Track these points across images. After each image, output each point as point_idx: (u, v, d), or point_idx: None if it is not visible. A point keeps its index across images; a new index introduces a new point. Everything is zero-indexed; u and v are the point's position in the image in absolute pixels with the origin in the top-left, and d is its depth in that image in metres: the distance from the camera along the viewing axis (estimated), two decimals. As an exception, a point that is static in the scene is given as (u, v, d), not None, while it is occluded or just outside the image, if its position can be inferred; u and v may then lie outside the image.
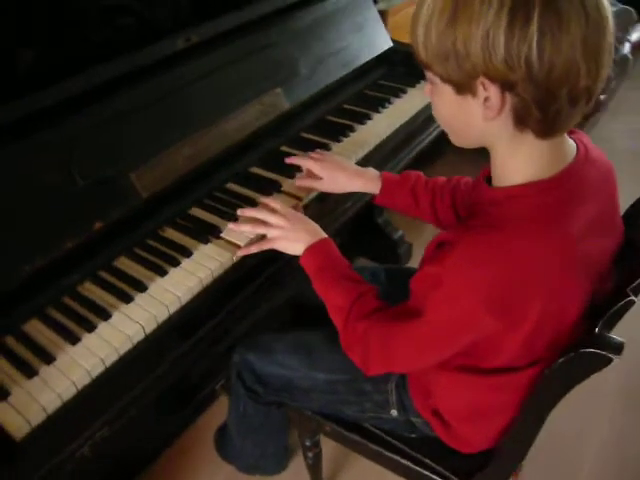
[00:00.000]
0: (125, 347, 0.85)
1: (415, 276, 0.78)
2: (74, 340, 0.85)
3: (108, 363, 0.83)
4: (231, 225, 1.01)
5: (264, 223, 0.98)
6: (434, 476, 0.96)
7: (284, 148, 1.27)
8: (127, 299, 0.91)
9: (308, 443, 1.23)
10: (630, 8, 2.35)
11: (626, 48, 2.36)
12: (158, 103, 1.07)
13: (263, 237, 0.99)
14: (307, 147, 1.23)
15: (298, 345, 1.07)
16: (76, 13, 0.99)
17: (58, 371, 0.81)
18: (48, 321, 0.88)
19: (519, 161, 0.69)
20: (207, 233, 1.02)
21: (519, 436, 0.82)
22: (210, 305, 0.96)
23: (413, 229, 2.08)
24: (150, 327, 0.88)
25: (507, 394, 0.83)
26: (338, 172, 1.10)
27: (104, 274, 0.96)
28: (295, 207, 1.06)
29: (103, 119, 1.00)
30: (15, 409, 0.76)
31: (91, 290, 0.93)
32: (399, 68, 1.58)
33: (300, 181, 1.12)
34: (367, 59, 1.48)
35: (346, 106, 1.43)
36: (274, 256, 1.00)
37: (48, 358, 0.82)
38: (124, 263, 0.98)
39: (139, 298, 0.91)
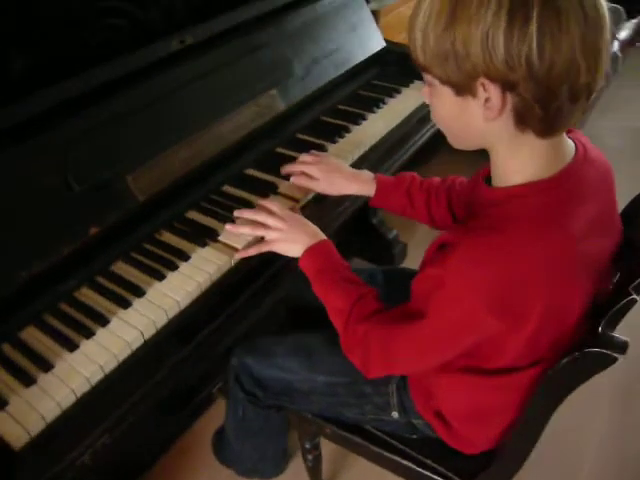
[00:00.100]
0: (124, 353, 0.84)
1: (416, 278, 0.78)
2: (72, 347, 0.83)
3: (107, 370, 0.82)
4: (229, 227, 1.00)
5: (262, 225, 0.97)
6: (436, 477, 0.96)
7: (280, 149, 1.26)
8: (125, 304, 0.90)
9: (308, 446, 1.22)
10: (619, 6, 2.36)
11: (615, 46, 2.38)
12: (153, 105, 1.06)
13: (261, 239, 0.98)
14: (303, 148, 1.22)
15: (298, 348, 1.07)
16: (70, 16, 0.97)
17: (57, 379, 0.79)
18: (45, 328, 0.87)
19: (519, 161, 0.69)
20: (204, 236, 1.01)
21: (523, 436, 0.82)
22: (209, 309, 0.95)
23: (407, 229, 2.08)
24: (149, 332, 0.87)
25: (509, 394, 0.83)
26: (335, 174, 1.09)
27: (101, 279, 0.95)
28: (292, 209, 1.06)
29: (98, 122, 0.99)
30: (13, 418, 0.75)
31: (88, 296, 0.92)
32: (392, 68, 1.58)
33: (296, 179, 1.11)
34: (361, 59, 1.47)
35: (341, 107, 1.43)
36: (272, 258, 0.99)
37: (46, 366, 0.81)
38: (121, 268, 0.97)
39: (137, 303, 0.90)
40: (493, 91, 0.62)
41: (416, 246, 2.08)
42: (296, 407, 1.09)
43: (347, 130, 1.32)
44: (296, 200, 1.11)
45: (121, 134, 1.01)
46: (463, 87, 0.65)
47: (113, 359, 0.82)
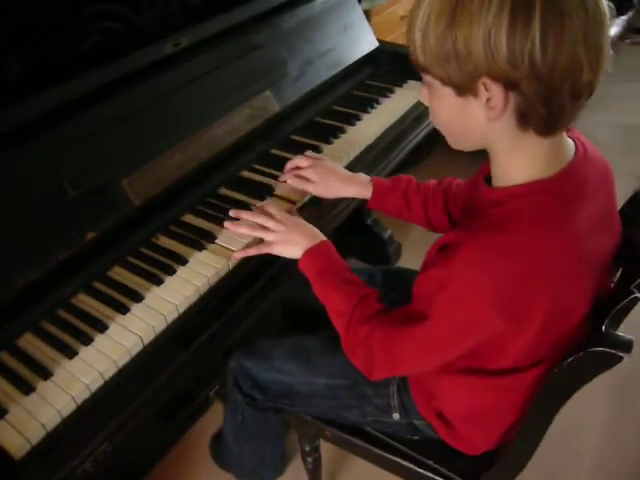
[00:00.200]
0: (124, 359, 0.83)
1: (418, 279, 0.77)
2: (71, 354, 0.83)
3: (107, 376, 0.81)
4: (227, 224, 1.00)
5: (261, 227, 0.97)
6: (438, 478, 0.96)
7: (275, 151, 1.26)
8: (123, 310, 0.89)
9: (308, 448, 1.22)
10: (609, 2, 2.37)
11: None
12: (148, 109, 1.05)
13: (260, 241, 0.97)
14: (298, 149, 1.22)
15: (296, 350, 1.06)
16: (63, 20, 0.96)
17: (56, 386, 0.79)
18: (43, 335, 0.86)
19: (521, 161, 0.69)
20: (202, 240, 1.01)
21: (526, 436, 0.82)
22: (208, 313, 0.94)
23: (401, 229, 2.08)
24: (148, 338, 0.86)
25: (511, 395, 0.83)
26: (330, 177, 1.09)
27: (99, 285, 0.94)
28: (290, 211, 1.05)
29: (92, 126, 0.98)
30: (13, 427, 0.74)
31: (86, 302, 0.91)
32: (385, 68, 1.58)
33: (293, 180, 1.11)
34: (354, 59, 1.47)
35: (335, 107, 1.42)
36: (271, 260, 0.99)
37: (45, 373, 0.80)
38: (119, 273, 0.96)
39: (136, 308, 0.89)
40: (495, 90, 0.62)
41: (411, 246, 2.08)
42: (296, 410, 1.09)
43: (342, 131, 1.32)
44: (293, 202, 1.10)
45: (116, 138, 1.01)
46: (464, 87, 0.64)
47: (113, 365, 0.82)
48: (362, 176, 1.11)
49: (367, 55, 1.52)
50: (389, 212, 1.10)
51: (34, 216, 0.89)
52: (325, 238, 0.95)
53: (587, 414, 1.53)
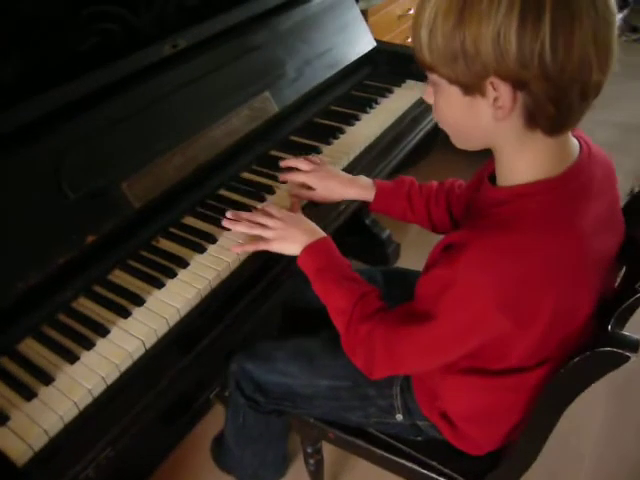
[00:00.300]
0: (126, 364, 0.83)
1: (422, 279, 0.77)
2: (72, 359, 0.82)
3: (109, 381, 0.81)
4: (226, 222, 0.99)
5: (260, 224, 0.96)
6: (442, 479, 0.95)
7: (274, 152, 1.25)
8: (125, 314, 0.88)
9: (310, 450, 1.22)
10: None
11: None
12: (146, 111, 1.04)
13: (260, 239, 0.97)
14: (297, 151, 1.22)
15: (298, 352, 1.06)
16: (61, 21, 0.95)
17: (58, 392, 0.78)
18: (44, 340, 0.85)
19: (526, 160, 0.69)
20: (202, 242, 1.00)
21: (531, 436, 0.81)
22: (210, 315, 0.93)
23: (399, 229, 2.08)
24: (150, 342, 0.86)
25: (515, 394, 0.83)
26: (331, 181, 1.09)
27: (99, 289, 0.93)
28: (293, 208, 1.05)
29: (91, 129, 0.97)
30: (15, 434, 0.73)
31: (87, 306, 0.91)
32: (383, 68, 1.58)
33: (294, 192, 1.11)
34: (352, 59, 1.47)
35: (334, 108, 1.42)
36: (272, 261, 0.99)
37: (47, 379, 0.79)
38: (119, 276, 0.96)
39: (137, 312, 0.89)
40: (503, 90, 0.62)
41: (409, 245, 2.08)
42: (298, 412, 1.08)
43: (341, 131, 1.31)
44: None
45: (115, 140, 1.00)
46: (472, 86, 0.64)
47: (115, 370, 0.81)
48: (363, 179, 1.10)
49: (365, 55, 1.52)
50: (392, 214, 1.10)
51: (34, 220, 0.88)
52: (325, 234, 0.94)
53: (587, 414, 1.53)
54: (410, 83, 1.50)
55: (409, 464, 0.98)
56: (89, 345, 0.84)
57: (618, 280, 0.81)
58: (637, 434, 1.51)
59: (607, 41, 0.60)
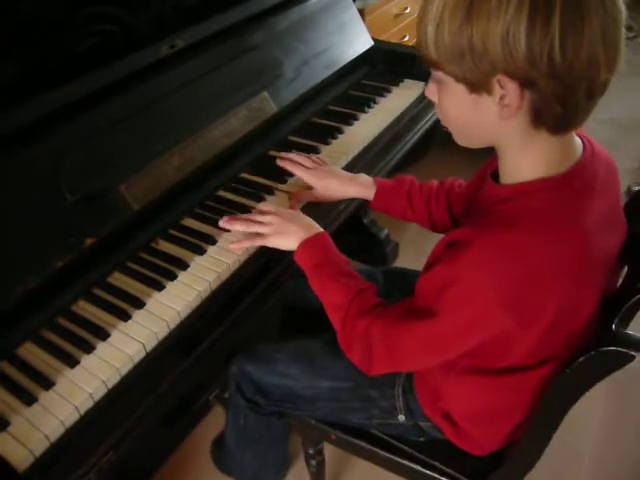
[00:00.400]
0: (127, 367, 0.82)
1: (424, 276, 0.76)
2: (73, 363, 0.81)
3: (110, 385, 0.80)
4: (222, 223, 0.99)
5: (257, 222, 0.96)
6: (445, 479, 0.95)
7: (273, 153, 1.24)
8: (125, 317, 0.87)
9: (311, 451, 1.21)
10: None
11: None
12: (144, 112, 1.04)
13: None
14: (296, 150, 1.21)
15: (299, 354, 1.06)
16: (57, 22, 0.94)
17: (59, 396, 0.77)
18: (44, 344, 0.84)
19: (531, 158, 0.68)
20: (202, 243, 1.00)
21: (535, 436, 0.81)
22: (210, 317, 0.93)
23: (398, 228, 2.08)
24: (151, 345, 0.85)
25: (518, 394, 0.83)
26: (331, 180, 1.08)
27: (99, 292, 0.92)
28: (292, 206, 1.05)
29: (89, 131, 0.96)
30: (16, 439, 0.72)
31: (86, 309, 0.90)
32: (380, 67, 1.58)
33: (294, 192, 1.11)
34: (350, 59, 1.46)
35: (332, 107, 1.41)
36: (273, 259, 0.98)
37: (47, 383, 0.78)
38: (119, 279, 0.95)
39: (137, 315, 0.88)
40: (511, 88, 0.61)
41: (408, 245, 2.08)
42: (300, 413, 1.08)
43: (340, 131, 1.31)
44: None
45: (113, 141, 0.99)
46: (478, 84, 0.63)
47: (116, 373, 0.80)
48: (364, 177, 1.10)
49: (362, 54, 1.51)
50: (392, 212, 1.10)
51: (32, 223, 0.88)
52: (322, 230, 0.94)
53: (587, 413, 1.53)
54: (408, 82, 1.50)
55: (412, 465, 0.98)
56: (89, 349, 0.83)
57: (620, 279, 0.81)
58: (637, 433, 1.51)
59: (615, 40, 0.60)
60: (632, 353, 0.62)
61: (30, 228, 0.88)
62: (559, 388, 0.73)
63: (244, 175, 1.19)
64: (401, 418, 0.97)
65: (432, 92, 0.73)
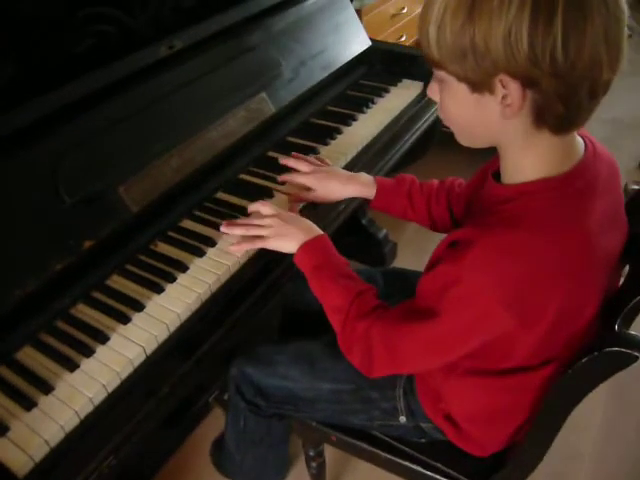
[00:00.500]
0: (127, 371, 0.81)
1: (426, 276, 0.76)
2: (72, 367, 0.80)
3: (110, 389, 0.79)
4: (223, 228, 0.99)
5: (256, 226, 0.96)
6: (447, 480, 0.95)
7: (271, 153, 1.24)
8: (124, 320, 0.87)
9: (312, 453, 1.21)
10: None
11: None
12: (143, 113, 1.03)
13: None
14: (295, 152, 1.20)
15: (300, 356, 1.05)
16: (56, 23, 0.94)
17: (58, 401, 0.77)
18: (43, 348, 0.84)
19: (533, 158, 0.68)
20: (201, 246, 0.99)
21: (537, 437, 0.81)
22: (210, 320, 0.92)
23: (396, 228, 2.07)
24: (151, 348, 0.85)
25: (520, 395, 0.82)
26: (331, 181, 1.08)
27: (98, 295, 0.92)
28: (291, 209, 1.04)
29: (86, 132, 0.96)
30: (16, 445, 0.72)
31: (85, 312, 0.89)
32: (378, 67, 1.57)
33: (294, 193, 1.10)
34: (348, 59, 1.46)
35: (330, 108, 1.41)
36: (273, 260, 0.98)
37: (46, 387, 0.78)
38: (118, 282, 0.94)
39: (137, 318, 0.87)
40: (513, 88, 0.61)
41: (406, 245, 2.08)
42: (300, 415, 1.07)
43: (338, 131, 1.30)
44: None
45: (111, 143, 0.99)
46: (480, 84, 0.63)
47: (116, 377, 0.80)
48: (364, 176, 1.10)
49: (360, 54, 1.51)
50: (393, 212, 1.09)
51: (30, 225, 0.87)
52: (322, 232, 0.94)
53: (587, 413, 1.53)
54: (406, 82, 1.50)
55: (413, 466, 0.98)
56: (89, 352, 0.82)
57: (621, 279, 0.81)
58: (637, 433, 1.51)
59: (617, 39, 0.59)
60: (636, 354, 0.62)
61: (28, 230, 0.87)
62: (562, 389, 0.73)
63: (243, 176, 1.18)
64: (402, 419, 0.97)
65: (434, 91, 0.72)
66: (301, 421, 1.08)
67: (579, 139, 0.71)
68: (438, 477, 0.96)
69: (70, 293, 0.91)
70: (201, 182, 1.12)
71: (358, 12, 1.75)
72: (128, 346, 0.83)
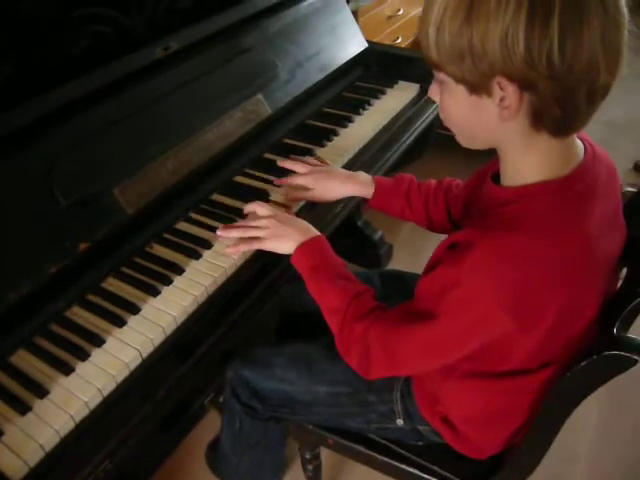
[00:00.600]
0: (122, 374, 0.81)
1: (425, 278, 0.76)
2: (67, 370, 0.80)
3: (106, 393, 0.79)
4: (220, 232, 0.98)
5: (253, 227, 0.95)
6: (444, 483, 0.95)
7: (268, 155, 1.24)
8: (120, 323, 0.86)
9: (308, 456, 1.20)
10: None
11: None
12: (138, 115, 1.02)
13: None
14: (291, 153, 1.21)
15: (297, 358, 1.05)
16: (51, 24, 0.93)
17: (53, 405, 0.76)
18: (37, 351, 0.83)
19: (532, 160, 0.68)
20: (197, 248, 0.99)
21: (535, 440, 0.81)
22: (206, 322, 0.91)
23: (392, 230, 2.07)
24: (147, 351, 0.84)
25: (518, 397, 0.82)
26: (329, 181, 1.08)
27: (93, 297, 0.91)
28: (288, 212, 1.04)
29: (82, 133, 0.95)
30: (10, 450, 0.71)
31: (80, 315, 0.88)
32: (374, 69, 1.57)
33: (292, 194, 1.09)
34: (344, 61, 1.46)
35: (327, 109, 1.41)
36: (269, 262, 0.97)
37: (41, 391, 0.77)
38: (113, 284, 0.93)
39: (132, 321, 0.87)
40: (510, 90, 0.61)
41: (401, 246, 2.07)
42: (297, 418, 1.07)
43: (335, 133, 1.30)
44: (288, 207, 1.09)
45: (106, 145, 0.98)
46: (478, 86, 0.63)
47: (112, 381, 0.79)
48: (363, 175, 1.10)
49: (356, 56, 1.51)
50: (390, 211, 1.09)
51: (25, 227, 0.86)
52: (319, 233, 0.93)
53: (583, 414, 1.52)
54: (402, 84, 1.50)
55: (410, 469, 0.97)
56: (84, 356, 0.82)
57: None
58: (632, 434, 1.51)
59: (616, 43, 0.59)
60: (635, 357, 0.62)
61: (23, 232, 0.86)
62: (560, 392, 0.73)
63: (239, 178, 1.18)
64: (399, 422, 0.97)
65: (434, 92, 0.72)
66: (298, 424, 1.08)
67: (579, 142, 0.71)
68: (436, 480, 0.96)
69: (65, 296, 0.90)
70: (197, 184, 1.12)
71: (354, 14, 1.75)
72: (124, 349, 0.83)
